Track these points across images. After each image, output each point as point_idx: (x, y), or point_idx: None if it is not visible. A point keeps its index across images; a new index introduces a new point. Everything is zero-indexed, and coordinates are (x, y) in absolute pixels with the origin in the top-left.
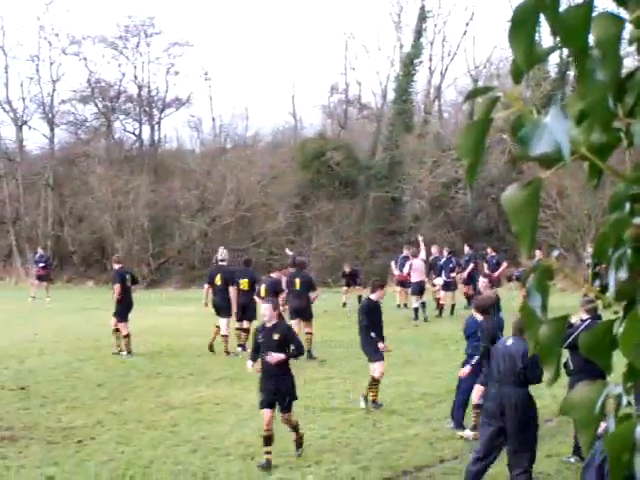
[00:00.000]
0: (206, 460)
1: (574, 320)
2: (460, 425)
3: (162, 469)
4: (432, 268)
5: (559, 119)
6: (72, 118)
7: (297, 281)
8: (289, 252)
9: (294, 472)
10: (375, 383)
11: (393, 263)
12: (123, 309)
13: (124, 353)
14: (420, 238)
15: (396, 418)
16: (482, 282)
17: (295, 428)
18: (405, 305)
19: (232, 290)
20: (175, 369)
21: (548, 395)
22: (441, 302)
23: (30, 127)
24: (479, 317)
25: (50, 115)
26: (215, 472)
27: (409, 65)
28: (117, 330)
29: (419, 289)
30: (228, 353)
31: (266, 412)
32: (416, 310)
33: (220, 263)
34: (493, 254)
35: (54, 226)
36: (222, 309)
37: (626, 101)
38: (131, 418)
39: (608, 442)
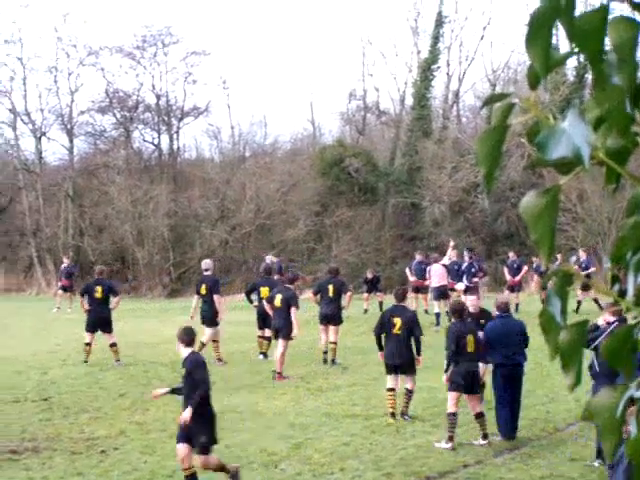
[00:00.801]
0: None
1: (600, 323)
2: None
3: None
4: (450, 273)
5: (577, 124)
6: (91, 129)
7: (330, 287)
8: (269, 259)
9: (318, 479)
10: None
11: (408, 269)
12: (88, 320)
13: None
14: (451, 244)
15: (419, 424)
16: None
17: (220, 468)
18: (426, 311)
19: (216, 298)
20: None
21: (572, 399)
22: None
23: (49, 138)
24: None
25: (69, 126)
26: None
27: (427, 70)
28: (112, 345)
29: (440, 294)
30: (220, 360)
31: (179, 448)
32: (438, 315)
33: (205, 273)
34: (515, 258)
35: (74, 237)
36: (207, 319)
37: None
38: (154, 428)
39: (630, 446)
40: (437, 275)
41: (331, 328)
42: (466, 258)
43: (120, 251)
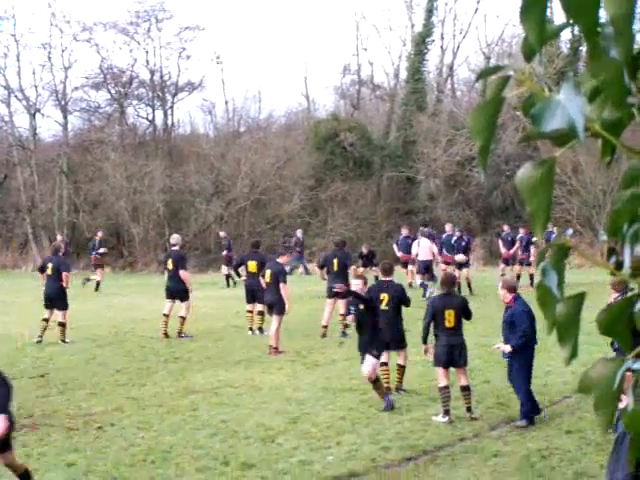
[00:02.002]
0: (226, 443)
1: (611, 300)
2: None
3: (183, 453)
4: (443, 246)
5: (572, 96)
6: (85, 105)
7: (335, 261)
8: (222, 234)
9: (314, 453)
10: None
11: (395, 244)
12: (43, 296)
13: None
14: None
15: (415, 398)
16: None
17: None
18: (410, 284)
19: (182, 273)
20: (193, 353)
21: (568, 371)
22: (458, 281)
23: (43, 115)
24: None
25: (63, 102)
26: (235, 455)
27: (421, 44)
28: (59, 324)
29: (425, 268)
30: (166, 335)
31: None
32: (423, 286)
33: (172, 248)
34: (509, 231)
35: (69, 213)
36: (175, 293)
37: (639, 77)
38: (151, 403)
39: (628, 419)
40: (424, 249)
41: (339, 301)
42: (456, 232)
43: (115, 227)
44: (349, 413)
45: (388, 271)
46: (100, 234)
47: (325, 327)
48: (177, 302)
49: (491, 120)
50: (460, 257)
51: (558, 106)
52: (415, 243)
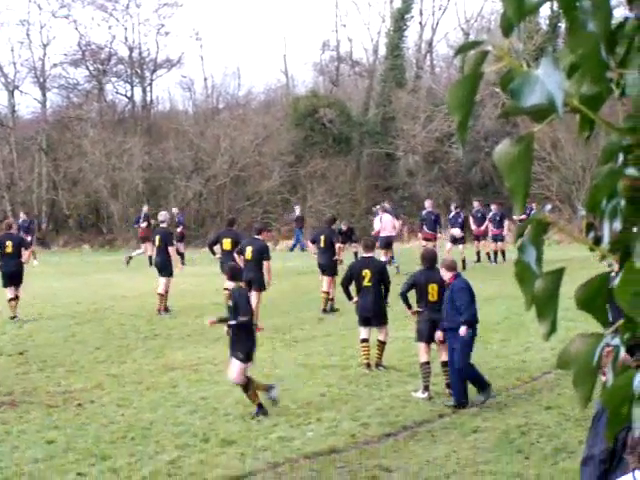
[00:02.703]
0: (206, 420)
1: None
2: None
3: (163, 430)
4: (423, 222)
5: (551, 71)
6: (64, 82)
7: (322, 237)
8: (175, 210)
9: (294, 430)
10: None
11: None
12: (2, 275)
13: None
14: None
15: (395, 374)
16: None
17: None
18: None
19: (171, 250)
20: (173, 330)
21: (547, 347)
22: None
23: (22, 92)
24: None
25: (42, 79)
26: (215, 432)
27: (400, 20)
28: (13, 298)
29: (386, 244)
30: (160, 312)
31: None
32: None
33: (161, 225)
34: (479, 207)
35: (49, 190)
36: (162, 269)
37: (617, 52)
38: (130, 380)
39: (607, 394)
40: (386, 224)
41: (324, 278)
42: (452, 209)
43: (94, 204)
44: (329, 390)
45: (370, 247)
46: (146, 208)
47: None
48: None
49: (469, 96)
50: (456, 231)
51: (537, 81)
52: (377, 219)
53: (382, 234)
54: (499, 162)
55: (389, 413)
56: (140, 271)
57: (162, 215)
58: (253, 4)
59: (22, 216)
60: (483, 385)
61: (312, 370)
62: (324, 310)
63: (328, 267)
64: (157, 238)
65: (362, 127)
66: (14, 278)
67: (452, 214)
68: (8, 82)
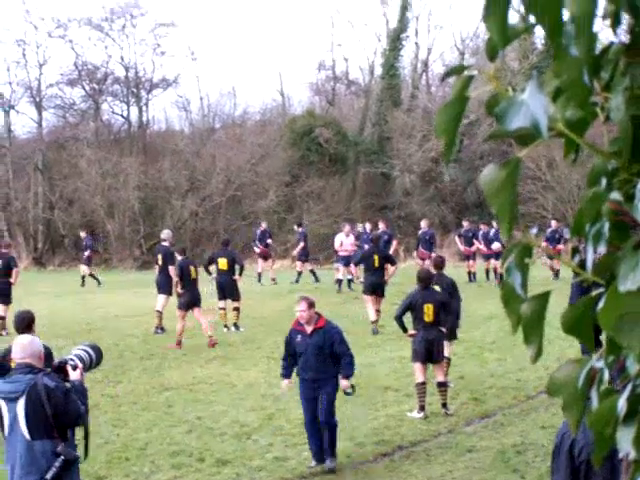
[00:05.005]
0: (202, 440)
1: None
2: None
3: (158, 450)
4: (419, 242)
5: (536, 95)
6: (60, 101)
7: (375, 257)
8: (82, 234)
9: (290, 450)
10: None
11: (457, 237)
12: None
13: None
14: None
15: (391, 394)
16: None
17: None
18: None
19: (171, 269)
20: (169, 350)
21: (541, 367)
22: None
23: (18, 112)
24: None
25: (38, 99)
26: (211, 452)
27: (396, 40)
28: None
29: (346, 262)
30: (157, 329)
31: None
32: (340, 281)
33: (162, 243)
34: (469, 228)
35: (45, 210)
36: (162, 286)
37: (602, 76)
38: (126, 400)
39: (591, 418)
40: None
41: (372, 298)
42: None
43: (91, 224)
44: None
45: (439, 266)
46: (264, 225)
47: (374, 322)
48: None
49: (456, 118)
50: (496, 246)
51: (522, 105)
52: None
53: (342, 253)
54: (485, 187)
55: (385, 433)
56: (135, 291)
57: (165, 234)
58: (249, 24)
59: (82, 234)
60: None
61: None
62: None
63: (380, 287)
64: (159, 256)
65: (358, 146)
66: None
67: (482, 231)
68: (4, 102)
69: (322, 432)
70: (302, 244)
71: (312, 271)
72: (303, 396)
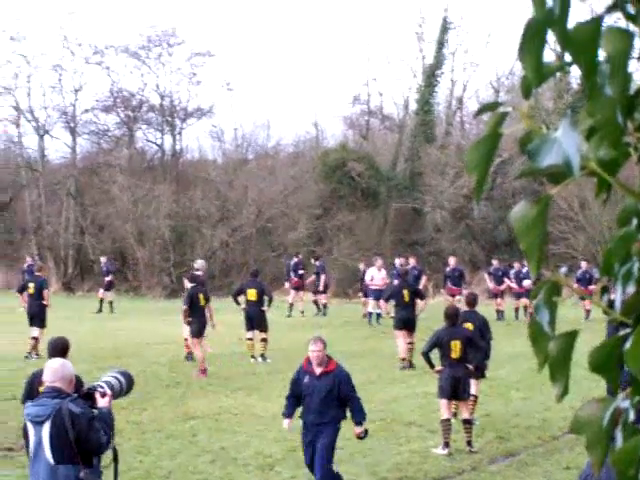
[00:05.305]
0: (225, 470)
1: None
2: None
3: (181, 479)
4: (447, 279)
5: (569, 133)
6: (94, 127)
7: (405, 292)
8: (103, 259)
9: None
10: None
11: (487, 275)
12: (27, 315)
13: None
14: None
15: (415, 429)
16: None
17: None
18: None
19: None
20: (195, 379)
21: (567, 406)
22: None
23: (52, 136)
24: None
25: (72, 124)
26: None
27: (431, 76)
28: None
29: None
30: (188, 357)
31: None
32: (370, 315)
33: (196, 272)
34: (498, 266)
35: (75, 235)
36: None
37: (635, 117)
38: (150, 428)
39: (615, 458)
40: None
41: (403, 332)
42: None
43: (121, 250)
44: (347, 443)
45: (472, 303)
46: (299, 256)
47: (404, 359)
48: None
49: (488, 155)
50: (527, 283)
51: (554, 143)
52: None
53: (372, 287)
54: (515, 224)
55: (408, 469)
56: (163, 319)
57: (198, 263)
58: (285, 56)
59: (28, 260)
60: None
61: None
62: (409, 364)
63: (411, 321)
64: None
65: (390, 181)
66: (33, 318)
67: (515, 270)
68: (39, 126)
69: None
70: (323, 277)
71: (315, 302)
72: (304, 439)
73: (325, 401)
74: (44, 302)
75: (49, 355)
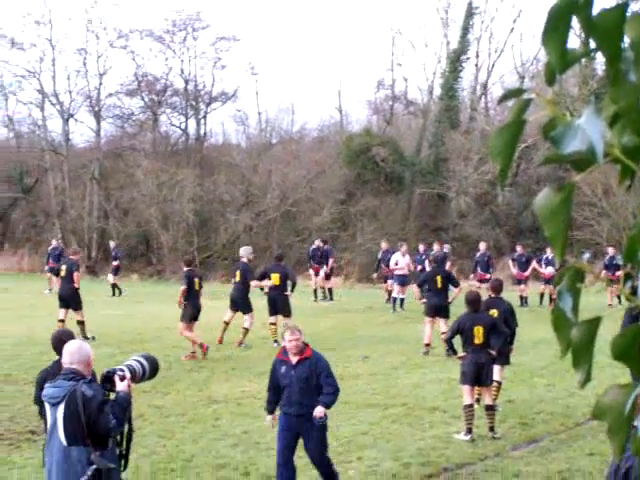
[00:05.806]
0: (247, 455)
1: None
2: None
3: (203, 463)
4: (477, 264)
5: (593, 120)
6: (118, 111)
7: (438, 278)
8: (112, 244)
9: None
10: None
11: (511, 261)
12: (58, 297)
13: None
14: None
15: (438, 415)
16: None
17: None
18: (388, 299)
19: (253, 284)
20: (218, 363)
21: (590, 393)
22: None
23: (77, 120)
24: None
25: (97, 108)
26: (256, 467)
27: (456, 61)
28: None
29: (402, 282)
30: (241, 344)
31: None
32: (395, 300)
33: (241, 259)
34: (522, 252)
35: (99, 219)
36: (243, 305)
37: None
38: (173, 412)
39: (637, 444)
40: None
41: (440, 320)
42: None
43: (144, 235)
44: (371, 428)
45: (497, 289)
46: (55, 242)
47: (428, 345)
48: (240, 313)
49: (511, 142)
50: (550, 270)
51: (578, 129)
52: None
53: (397, 272)
54: (539, 211)
55: (430, 454)
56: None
57: (244, 250)
58: (309, 40)
59: (54, 243)
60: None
61: (355, 408)
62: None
63: (443, 309)
64: (238, 272)
65: (414, 167)
66: (66, 300)
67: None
68: (63, 110)
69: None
70: (331, 260)
71: (318, 289)
72: (282, 428)
73: (305, 390)
74: (75, 285)
75: (54, 347)
